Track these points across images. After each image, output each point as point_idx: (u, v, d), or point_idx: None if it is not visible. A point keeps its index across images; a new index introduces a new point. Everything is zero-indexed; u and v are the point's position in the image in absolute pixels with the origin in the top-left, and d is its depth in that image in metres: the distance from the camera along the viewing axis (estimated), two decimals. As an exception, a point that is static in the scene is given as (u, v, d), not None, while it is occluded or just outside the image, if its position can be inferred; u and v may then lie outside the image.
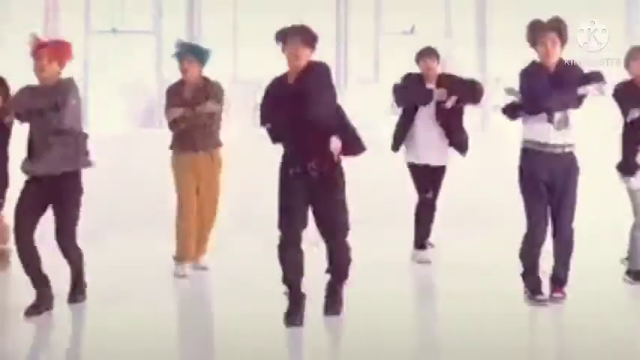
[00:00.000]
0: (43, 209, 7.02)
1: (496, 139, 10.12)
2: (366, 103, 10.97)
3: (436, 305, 7.80)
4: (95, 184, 7.28)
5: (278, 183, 6.62)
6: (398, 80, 9.02)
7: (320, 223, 6.64)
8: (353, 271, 6.86)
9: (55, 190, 6.97)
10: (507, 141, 8.20)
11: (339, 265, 6.81)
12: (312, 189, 6.53)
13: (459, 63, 11.32)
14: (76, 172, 7.04)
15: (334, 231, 6.67)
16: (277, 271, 6.66)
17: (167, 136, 8.31)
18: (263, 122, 6.72)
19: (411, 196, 9.00)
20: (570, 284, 7.40)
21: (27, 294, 7.14)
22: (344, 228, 6.68)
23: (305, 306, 6.66)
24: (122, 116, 11.45)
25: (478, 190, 10.43)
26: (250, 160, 8.70)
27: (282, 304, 6.67)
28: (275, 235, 6.61)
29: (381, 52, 11.60)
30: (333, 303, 6.85)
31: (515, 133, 7.49)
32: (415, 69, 8.97)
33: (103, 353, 6.13)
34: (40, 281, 6.99)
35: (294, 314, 6.59)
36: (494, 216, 9.45)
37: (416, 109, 8.73)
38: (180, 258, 8.25)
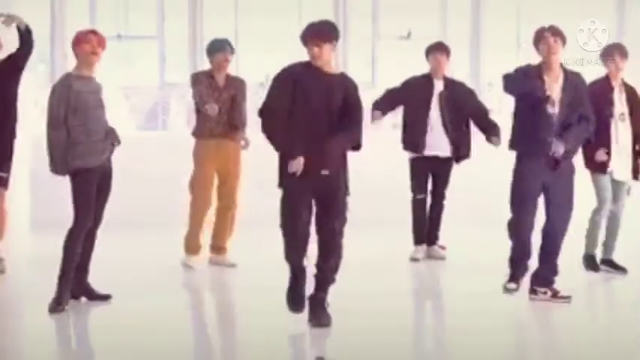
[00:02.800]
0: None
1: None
2: (363, 106, 11.09)
3: (436, 304, 7.84)
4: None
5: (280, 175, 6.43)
6: (395, 84, 9.18)
7: (322, 213, 6.45)
8: (353, 269, 6.86)
9: (102, 180, 7.16)
10: (502, 141, 8.34)
11: (332, 259, 6.48)
12: (318, 185, 6.39)
13: (453, 67, 11.49)
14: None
15: (335, 222, 6.45)
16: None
17: (169, 138, 8.47)
18: (272, 104, 6.45)
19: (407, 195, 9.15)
20: (571, 281, 7.45)
21: (30, 292, 7.35)
22: (344, 220, 6.50)
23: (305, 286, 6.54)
24: (126, 119, 11.60)
25: (473, 190, 10.60)
26: (252, 159, 8.85)
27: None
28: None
29: (377, 56, 11.74)
30: (320, 315, 6.50)
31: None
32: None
33: (110, 350, 6.18)
34: (69, 278, 7.04)
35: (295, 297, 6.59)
36: (491, 215, 9.56)
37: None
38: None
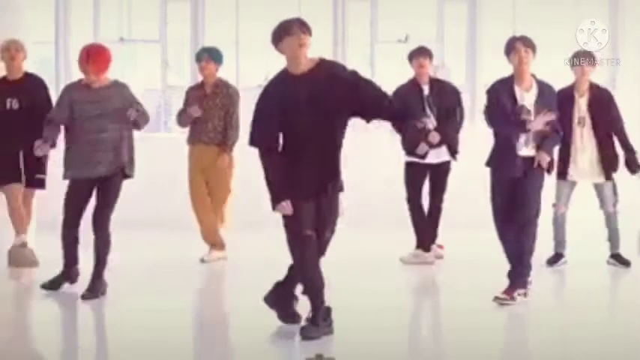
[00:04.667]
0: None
1: (486, 140, 10.38)
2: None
3: (434, 302, 7.87)
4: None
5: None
6: (393, 86, 9.32)
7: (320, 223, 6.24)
8: (352, 268, 6.83)
9: (103, 182, 7.37)
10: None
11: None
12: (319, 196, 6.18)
13: (450, 69, 11.62)
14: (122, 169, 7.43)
15: (330, 229, 6.34)
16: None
17: (171, 140, 8.57)
18: (260, 138, 6.15)
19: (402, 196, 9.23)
20: (570, 281, 7.64)
21: (33, 291, 7.43)
22: (334, 228, 6.39)
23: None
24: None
25: (466, 190, 10.70)
26: (253, 164, 8.98)
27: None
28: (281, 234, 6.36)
29: (376, 60, 11.84)
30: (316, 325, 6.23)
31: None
32: (408, 76, 9.25)
33: (110, 348, 6.27)
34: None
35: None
36: (487, 215, 9.67)
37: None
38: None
